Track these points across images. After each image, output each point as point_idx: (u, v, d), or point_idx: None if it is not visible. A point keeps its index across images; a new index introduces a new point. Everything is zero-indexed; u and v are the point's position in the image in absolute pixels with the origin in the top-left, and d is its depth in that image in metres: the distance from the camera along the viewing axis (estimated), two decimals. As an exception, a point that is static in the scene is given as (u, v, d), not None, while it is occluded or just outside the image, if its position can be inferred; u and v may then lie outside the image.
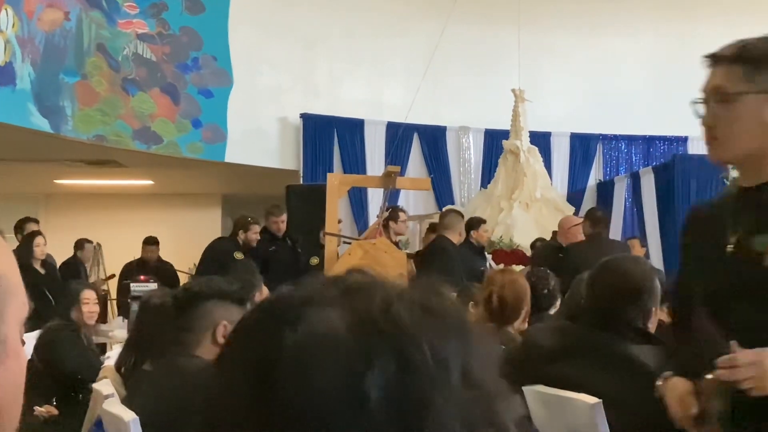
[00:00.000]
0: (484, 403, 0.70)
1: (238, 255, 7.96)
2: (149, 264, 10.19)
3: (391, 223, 8.26)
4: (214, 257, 7.93)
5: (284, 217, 8.38)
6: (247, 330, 0.75)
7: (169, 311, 2.74)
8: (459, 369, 0.69)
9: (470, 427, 0.67)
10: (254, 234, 8.26)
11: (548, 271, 5.04)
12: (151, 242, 10.37)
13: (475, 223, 8.17)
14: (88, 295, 5.34)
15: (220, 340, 2.56)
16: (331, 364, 0.66)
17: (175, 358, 2.53)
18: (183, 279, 9.57)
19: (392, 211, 8.56)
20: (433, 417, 0.66)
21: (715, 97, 2.10)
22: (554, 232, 8.31)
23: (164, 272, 9.92)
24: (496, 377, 0.73)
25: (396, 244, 7.89)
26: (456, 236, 7.39)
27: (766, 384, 1.87)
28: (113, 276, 10.55)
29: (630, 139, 12.07)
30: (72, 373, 4.82)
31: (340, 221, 8.51)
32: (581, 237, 7.74)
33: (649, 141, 12.04)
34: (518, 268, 6.97)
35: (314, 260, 7.88)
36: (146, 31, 9.90)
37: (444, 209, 8.85)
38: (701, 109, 2.17)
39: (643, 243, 9.73)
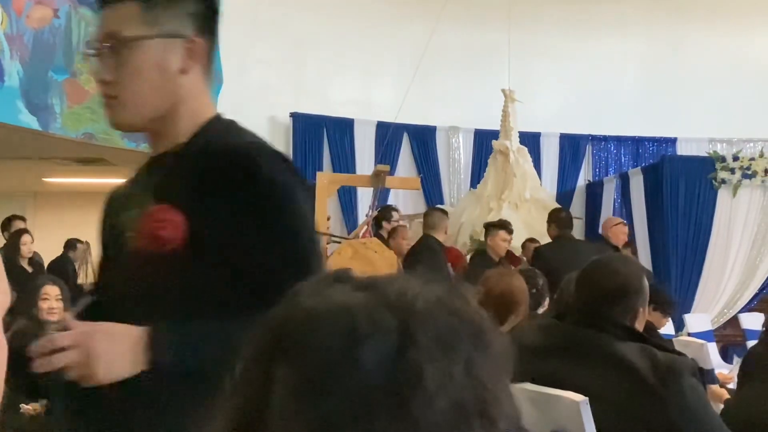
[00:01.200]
0: (480, 394, 0.70)
1: None
2: None
3: (384, 223, 8.27)
4: None
5: None
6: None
7: None
8: (463, 359, 0.70)
9: (459, 411, 0.68)
10: None
11: (536, 270, 5.05)
12: None
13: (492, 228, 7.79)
14: (49, 291, 5.24)
15: None
16: (335, 325, 0.68)
17: None
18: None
19: (385, 210, 8.56)
20: (423, 390, 0.67)
21: (109, 44, 1.65)
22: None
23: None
24: (500, 379, 0.73)
25: (388, 243, 7.89)
26: (441, 235, 7.40)
27: (93, 370, 1.44)
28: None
29: (619, 140, 12.10)
30: None
31: (328, 218, 8.51)
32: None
33: (638, 142, 12.08)
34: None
35: None
36: (135, 29, 9.86)
37: (428, 209, 8.83)
38: (95, 62, 1.70)
39: (627, 245, 9.78)
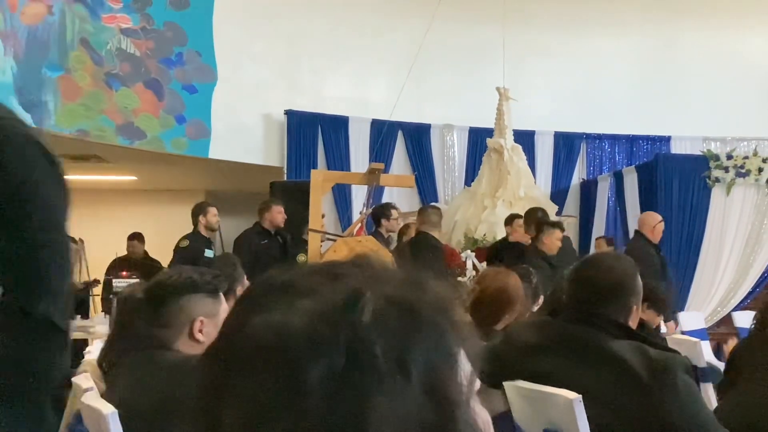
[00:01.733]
0: (443, 409, 0.68)
1: (184, 242, 7.96)
2: (134, 260, 10.16)
3: (383, 220, 8.27)
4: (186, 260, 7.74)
5: (278, 208, 8.31)
6: (226, 318, 0.75)
7: (145, 307, 2.71)
8: (421, 372, 0.67)
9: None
10: (213, 216, 8.15)
11: (530, 268, 5.05)
12: (133, 237, 10.33)
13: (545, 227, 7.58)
14: None
15: (197, 335, 2.54)
16: (278, 351, 0.66)
17: (153, 352, 2.51)
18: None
19: (384, 207, 8.57)
20: (375, 418, 0.65)
21: None
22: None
23: (151, 269, 9.88)
24: (463, 381, 0.71)
25: (387, 240, 7.88)
26: (437, 232, 7.40)
27: None
28: (97, 282, 10.45)
29: (613, 138, 12.11)
30: None
31: (323, 216, 8.51)
32: (659, 235, 7.96)
33: (632, 140, 12.09)
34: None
35: (301, 257, 7.84)
36: (130, 26, 9.85)
37: (422, 206, 8.83)
38: None
39: (610, 242, 9.81)
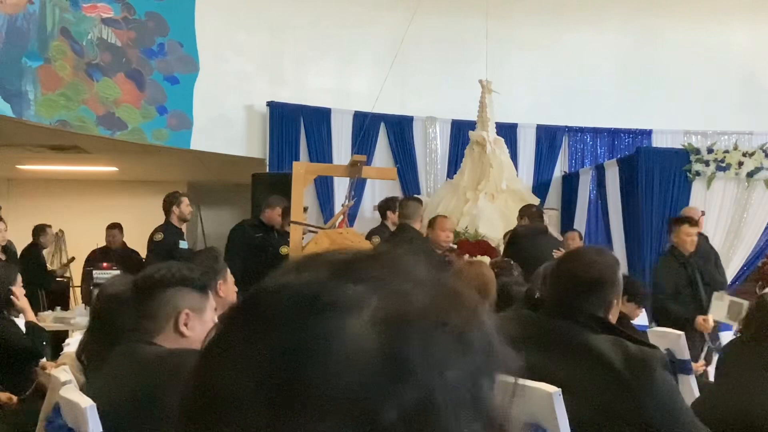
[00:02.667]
0: None
1: (158, 236, 7.87)
2: (114, 250, 10.12)
3: (389, 213, 8.26)
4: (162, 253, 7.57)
5: (279, 210, 8.28)
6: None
7: (128, 298, 2.71)
8: (478, 408, 0.66)
9: None
10: (186, 206, 8.03)
11: (511, 261, 5.07)
12: (113, 227, 10.30)
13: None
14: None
15: (183, 328, 2.53)
16: (352, 389, 0.62)
17: (134, 346, 2.50)
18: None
19: (391, 200, 8.60)
20: None
21: None
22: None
23: (130, 260, 9.86)
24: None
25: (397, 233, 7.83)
26: (417, 224, 7.41)
27: None
28: (73, 259, 10.44)
29: (595, 132, 12.14)
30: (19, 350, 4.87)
31: (305, 209, 8.49)
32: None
33: (614, 134, 12.13)
34: (485, 259, 7.00)
35: (284, 249, 7.84)
36: (111, 16, 9.78)
37: (403, 198, 8.82)
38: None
39: (580, 237, 9.85)
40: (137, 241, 10.78)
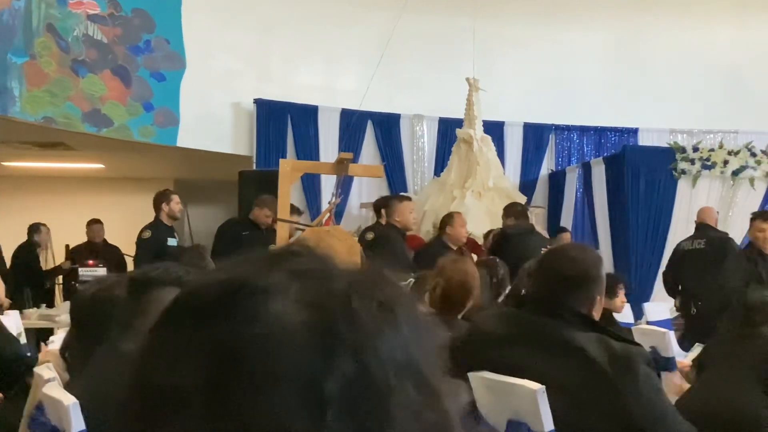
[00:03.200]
0: (437, 406, 0.69)
1: (146, 234, 7.89)
2: (96, 246, 10.09)
3: (384, 211, 8.27)
4: (150, 251, 7.63)
5: (267, 211, 8.23)
6: (198, 317, 0.68)
7: (113, 297, 2.69)
8: (413, 372, 0.68)
9: None
10: (176, 204, 8.05)
11: (498, 260, 5.09)
12: (95, 222, 10.27)
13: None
14: None
15: None
16: (292, 366, 0.64)
17: (119, 344, 2.49)
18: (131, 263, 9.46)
19: (386, 199, 8.61)
20: (393, 425, 0.65)
21: None
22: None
23: (111, 255, 9.85)
24: (443, 372, 0.72)
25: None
26: (395, 221, 7.43)
27: None
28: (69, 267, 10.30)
29: (582, 130, 12.18)
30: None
31: (301, 213, 8.49)
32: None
33: (600, 132, 12.16)
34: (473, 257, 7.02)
35: (273, 248, 7.82)
36: (97, 12, 9.74)
37: (383, 196, 8.86)
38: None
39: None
40: (124, 238, 10.74)
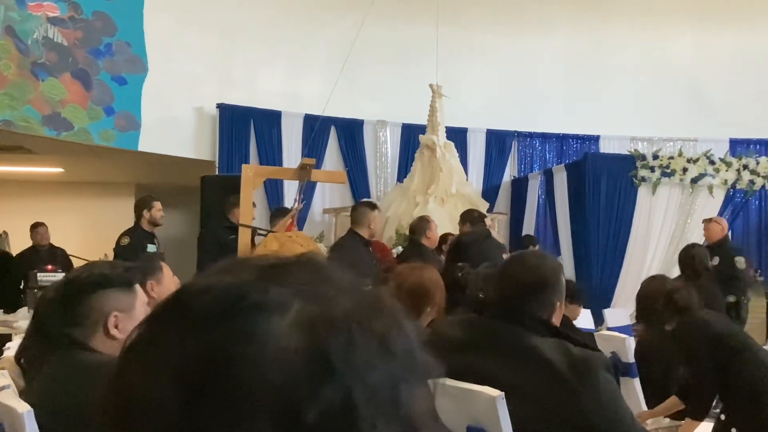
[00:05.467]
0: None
1: (124, 240, 7.97)
2: (42, 249, 9.93)
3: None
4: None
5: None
6: (193, 321, 0.67)
7: (56, 306, 2.63)
8: (402, 417, 0.67)
9: None
10: (158, 211, 8.15)
11: (458, 264, 5.09)
12: (39, 225, 10.12)
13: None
14: None
15: (113, 331, 2.47)
16: (278, 389, 0.63)
17: (71, 352, 2.45)
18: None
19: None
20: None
21: None
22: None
23: (58, 259, 9.70)
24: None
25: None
26: (365, 230, 7.40)
27: None
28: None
29: (544, 137, 12.28)
30: None
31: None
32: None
33: (562, 139, 12.27)
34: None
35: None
36: (58, 15, 9.63)
37: (355, 204, 8.83)
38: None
39: (535, 242, 9.99)
40: (84, 243, 10.64)
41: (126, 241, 7.92)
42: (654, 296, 4.87)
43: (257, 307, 0.66)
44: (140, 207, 8.17)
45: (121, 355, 0.69)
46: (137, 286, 2.60)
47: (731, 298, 7.95)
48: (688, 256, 6.92)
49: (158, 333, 0.68)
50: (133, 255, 7.32)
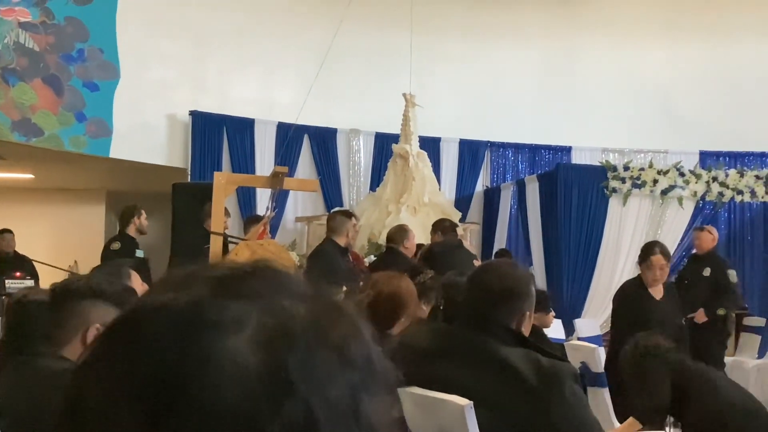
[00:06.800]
0: None
1: (115, 245, 8.26)
2: (7, 257, 9.80)
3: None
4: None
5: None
6: (147, 344, 0.65)
7: (40, 308, 2.62)
8: (363, 425, 0.66)
9: None
10: (145, 219, 8.50)
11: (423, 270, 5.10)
12: (5, 231, 10.01)
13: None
14: None
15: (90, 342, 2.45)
16: (238, 409, 0.62)
17: (37, 359, 2.44)
18: (58, 274, 9.22)
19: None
20: None
21: None
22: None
23: (24, 266, 9.57)
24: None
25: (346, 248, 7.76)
26: (343, 239, 7.39)
27: None
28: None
29: (517, 147, 12.33)
30: None
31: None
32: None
33: (534, 149, 12.32)
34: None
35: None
36: (29, 20, 9.56)
37: (332, 211, 8.83)
38: None
39: (509, 257, 10.03)
40: (54, 249, 10.54)
41: (117, 246, 8.22)
42: None
43: (213, 326, 0.65)
44: (129, 214, 8.50)
45: (76, 371, 0.68)
46: None
47: (721, 311, 8.00)
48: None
49: (113, 353, 0.66)
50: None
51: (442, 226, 8.17)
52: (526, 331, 2.86)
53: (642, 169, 9.84)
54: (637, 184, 9.70)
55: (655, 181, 9.71)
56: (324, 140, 11.51)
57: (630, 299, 6.40)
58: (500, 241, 11.14)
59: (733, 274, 8.23)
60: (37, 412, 2.13)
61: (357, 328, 0.71)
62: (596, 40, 12.37)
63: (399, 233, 7.71)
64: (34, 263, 9.40)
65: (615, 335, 6.47)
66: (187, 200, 8.86)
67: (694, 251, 8.86)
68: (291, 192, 10.49)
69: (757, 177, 9.92)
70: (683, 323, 6.51)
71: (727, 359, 9.47)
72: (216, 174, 8.00)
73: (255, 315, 0.66)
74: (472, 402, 2.56)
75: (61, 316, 2.50)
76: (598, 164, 10.18)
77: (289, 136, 10.75)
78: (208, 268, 0.72)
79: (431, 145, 11.37)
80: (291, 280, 0.73)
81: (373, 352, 0.71)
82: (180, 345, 0.64)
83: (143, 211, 8.55)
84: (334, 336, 0.68)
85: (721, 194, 9.81)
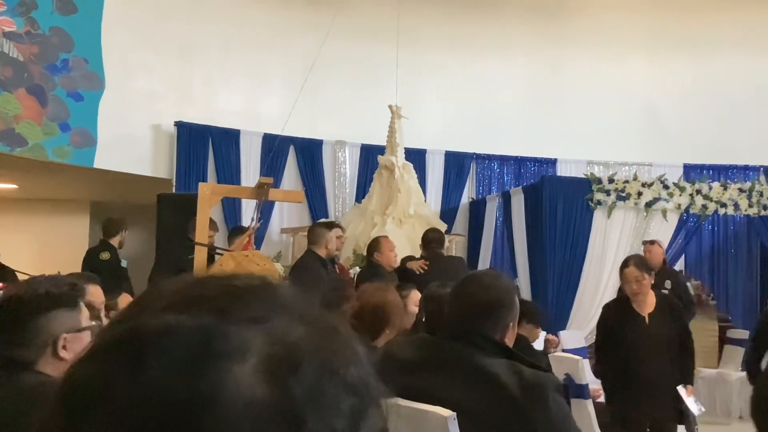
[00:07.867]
0: None
1: (105, 255, 8.76)
2: None
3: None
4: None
5: (210, 232, 8.09)
6: (147, 381, 0.62)
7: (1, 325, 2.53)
8: None
9: None
10: (126, 234, 9.12)
11: (409, 284, 5.10)
12: None
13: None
14: None
15: (62, 353, 2.40)
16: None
17: (11, 373, 2.39)
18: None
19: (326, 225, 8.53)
20: None
21: None
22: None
23: (8, 276, 9.50)
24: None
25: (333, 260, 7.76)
26: (323, 250, 7.39)
27: None
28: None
29: (502, 159, 12.36)
30: None
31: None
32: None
33: (520, 162, 12.36)
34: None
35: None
36: (13, 30, 9.52)
37: (313, 223, 8.82)
38: None
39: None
40: (38, 260, 10.48)
41: (107, 256, 8.74)
42: None
43: (219, 357, 0.63)
44: (117, 227, 9.10)
45: (66, 390, 0.65)
46: (81, 303, 2.53)
47: None
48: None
49: (112, 379, 0.63)
50: (114, 269, 8.42)
51: (425, 239, 8.15)
52: (509, 341, 2.86)
53: (626, 181, 9.89)
54: (622, 196, 9.73)
55: (640, 194, 9.75)
56: (310, 151, 11.51)
57: (607, 318, 6.15)
58: (485, 253, 11.16)
59: (690, 287, 8.29)
60: (15, 429, 2.10)
61: (355, 351, 0.71)
62: (581, 54, 12.44)
63: (372, 244, 7.90)
64: (18, 274, 9.33)
65: (596, 352, 6.34)
66: (172, 211, 8.84)
67: None
68: (276, 203, 10.48)
69: (741, 190, 9.97)
70: (676, 337, 6.04)
71: (711, 371, 9.52)
72: (201, 185, 7.96)
73: (259, 341, 0.65)
74: (455, 413, 2.55)
75: (23, 337, 2.42)
76: (583, 176, 10.22)
77: (274, 148, 10.74)
78: (204, 284, 0.71)
79: (417, 157, 11.38)
80: (289, 298, 0.72)
81: (369, 374, 0.71)
82: (187, 381, 0.62)
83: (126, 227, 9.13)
84: (336, 362, 0.67)
85: (704, 207, 9.85)
